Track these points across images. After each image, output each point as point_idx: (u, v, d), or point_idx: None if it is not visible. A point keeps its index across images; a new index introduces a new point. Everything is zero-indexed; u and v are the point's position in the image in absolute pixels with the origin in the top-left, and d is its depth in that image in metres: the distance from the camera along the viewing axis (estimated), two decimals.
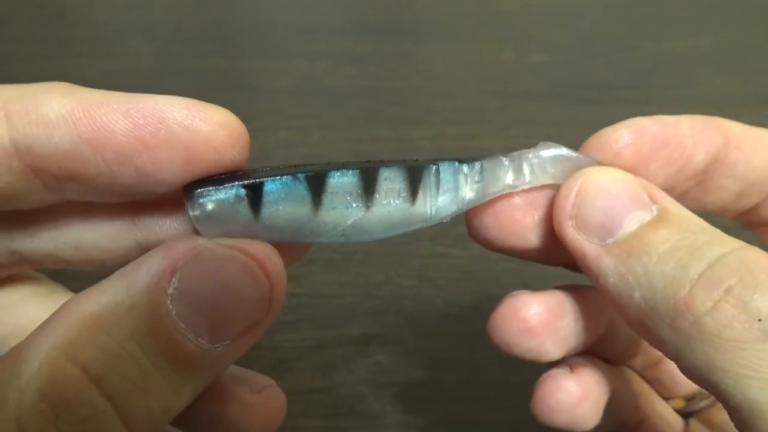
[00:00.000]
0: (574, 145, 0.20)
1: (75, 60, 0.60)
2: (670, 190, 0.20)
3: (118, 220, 0.18)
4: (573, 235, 0.19)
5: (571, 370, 0.22)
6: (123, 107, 0.15)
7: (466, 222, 0.21)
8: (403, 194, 0.18)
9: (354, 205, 0.17)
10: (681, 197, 0.21)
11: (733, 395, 0.15)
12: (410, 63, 0.63)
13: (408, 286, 0.41)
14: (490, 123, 0.54)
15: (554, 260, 0.21)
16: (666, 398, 0.26)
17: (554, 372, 0.22)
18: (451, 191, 0.19)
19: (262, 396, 0.22)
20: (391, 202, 0.18)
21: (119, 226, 0.18)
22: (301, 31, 0.65)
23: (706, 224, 0.18)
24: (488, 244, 0.21)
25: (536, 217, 0.20)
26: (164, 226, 0.18)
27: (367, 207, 0.17)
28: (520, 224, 0.20)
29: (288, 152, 0.50)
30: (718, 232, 0.18)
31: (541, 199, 0.20)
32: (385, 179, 0.17)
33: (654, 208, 0.18)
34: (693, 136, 0.20)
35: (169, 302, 0.15)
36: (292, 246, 0.18)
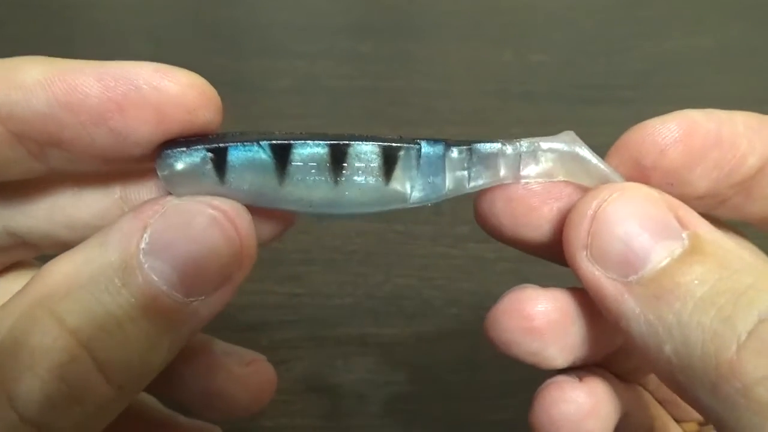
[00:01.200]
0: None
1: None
2: (711, 197, 0.18)
3: (107, 197, 0.19)
4: (588, 269, 0.16)
5: (580, 379, 0.19)
6: (95, 72, 0.16)
7: (474, 206, 0.19)
8: (377, 173, 0.17)
9: (320, 178, 0.17)
10: (719, 205, 0.19)
11: None
12: (410, 63, 0.63)
13: (408, 286, 0.41)
14: (490, 123, 0.53)
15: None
16: (678, 421, 0.23)
17: (560, 379, 0.19)
18: (434, 175, 0.18)
19: (250, 368, 0.22)
20: (363, 180, 0.17)
21: (109, 203, 0.19)
22: (301, 31, 0.65)
23: (747, 257, 0.15)
24: (497, 233, 0.19)
25: (555, 208, 0.18)
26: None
27: (335, 182, 0.17)
28: (536, 213, 0.18)
29: None
30: (764, 267, 0.15)
31: (564, 188, 0.18)
32: (357, 155, 0.17)
33: (684, 235, 0.16)
34: (748, 137, 0.17)
35: (141, 256, 0.16)
36: (274, 214, 0.19)
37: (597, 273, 0.16)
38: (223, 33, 0.65)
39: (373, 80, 0.59)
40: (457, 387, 0.36)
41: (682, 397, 0.16)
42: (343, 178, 0.17)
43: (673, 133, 0.17)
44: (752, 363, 0.13)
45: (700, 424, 0.23)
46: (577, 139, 0.18)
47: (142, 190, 0.19)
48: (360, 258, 0.42)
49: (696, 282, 0.15)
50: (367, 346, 0.37)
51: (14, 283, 0.21)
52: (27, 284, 0.16)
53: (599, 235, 0.16)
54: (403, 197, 0.17)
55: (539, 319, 0.18)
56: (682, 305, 0.15)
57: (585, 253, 0.16)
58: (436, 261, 0.42)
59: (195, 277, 0.16)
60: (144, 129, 0.16)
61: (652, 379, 0.23)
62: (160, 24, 0.66)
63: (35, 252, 0.21)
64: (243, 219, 0.17)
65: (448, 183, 0.18)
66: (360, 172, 0.17)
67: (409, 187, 0.17)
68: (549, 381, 0.20)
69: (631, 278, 0.16)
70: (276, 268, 0.41)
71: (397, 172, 0.17)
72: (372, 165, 0.17)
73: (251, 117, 0.52)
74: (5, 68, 0.16)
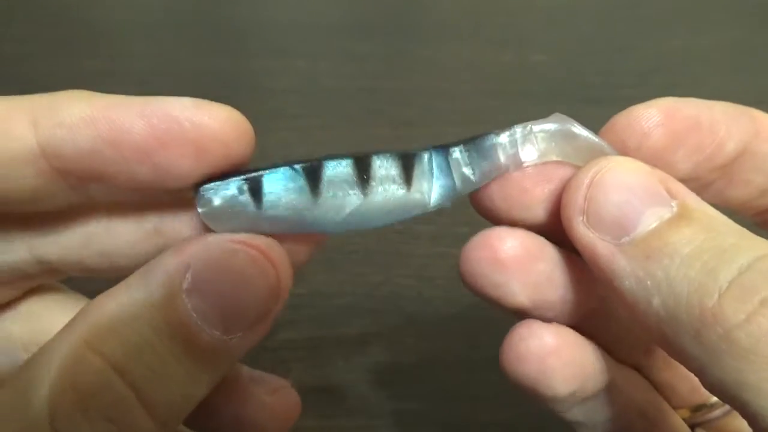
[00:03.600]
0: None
1: (75, 60, 0.60)
2: (694, 180, 0.19)
3: (141, 227, 0.19)
4: (583, 232, 0.17)
5: (550, 322, 0.20)
6: (138, 109, 0.16)
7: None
8: (398, 181, 0.18)
9: (351, 192, 0.18)
10: (702, 189, 0.19)
11: (765, 417, 0.14)
12: (410, 63, 0.63)
13: (408, 286, 0.41)
14: (490, 123, 0.53)
15: (563, 242, 0.19)
16: (672, 407, 0.24)
17: (530, 319, 0.20)
18: (446, 176, 0.19)
19: (277, 396, 0.23)
20: (386, 189, 0.18)
21: (142, 233, 0.19)
22: (301, 31, 0.65)
23: (731, 223, 0.17)
24: (492, 215, 0.20)
25: (547, 190, 0.19)
26: (183, 231, 0.19)
27: (365, 194, 0.18)
28: (528, 195, 0.19)
29: (288, 152, 0.50)
30: (746, 232, 0.16)
31: (555, 170, 0.19)
32: (379, 167, 0.18)
33: (673, 203, 0.17)
34: (726, 123, 0.19)
35: (184, 296, 0.16)
36: (306, 237, 0.19)
37: (592, 236, 0.17)
38: (223, 33, 0.66)
39: (373, 80, 0.59)
40: (456, 387, 0.36)
41: (668, 351, 0.16)
42: (370, 189, 0.18)
43: (655, 117, 0.18)
44: (732, 309, 0.14)
45: (693, 411, 0.24)
46: (567, 118, 0.19)
47: (177, 221, 0.19)
48: (360, 258, 0.42)
49: (683, 241, 0.16)
50: (367, 345, 0.37)
51: (38, 305, 0.21)
52: (72, 322, 0.16)
53: (595, 202, 0.17)
54: (423, 202, 0.19)
55: (504, 252, 0.19)
56: (670, 261, 0.16)
57: (581, 218, 0.18)
58: (436, 261, 0.42)
59: (235, 316, 0.16)
60: (184, 163, 0.17)
61: (649, 361, 0.23)
62: (160, 24, 0.66)
63: (61, 276, 0.21)
64: (278, 254, 0.17)
65: (457, 182, 0.19)
66: (383, 182, 0.18)
67: (426, 192, 0.19)
68: (520, 322, 0.20)
69: (623, 240, 0.17)
70: None
71: (415, 178, 0.19)
72: (392, 174, 0.18)
73: (251, 117, 0.52)
74: (48, 105, 0.16)
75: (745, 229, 0.16)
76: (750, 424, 0.15)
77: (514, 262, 0.19)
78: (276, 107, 0.55)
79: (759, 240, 0.16)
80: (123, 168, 0.17)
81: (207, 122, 0.16)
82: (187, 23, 0.68)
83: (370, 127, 0.53)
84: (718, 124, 0.19)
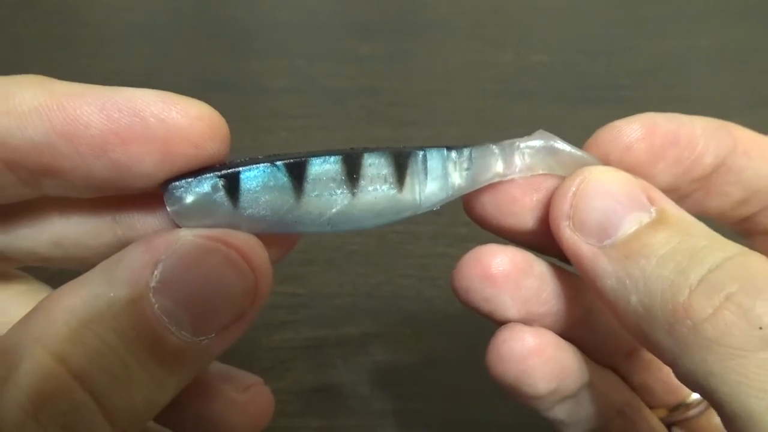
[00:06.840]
0: (575, 144, 0.20)
1: (75, 60, 0.60)
2: (674, 191, 0.20)
3: (98, 216, 0.18)
4: (569, 236, 0.18)
5: (531, 325, 0.21)
6: (98, 100, 0.15)
7: (462, 198, 0.21)
8: (390, 180, 0.18)
9: (338, 191, 0.17)
10: (682, 200, 0.21)
11: (730, 404, 0.15)
12: (410, 63, 0.63)
13: (408, 286, 0.41)
14: (490, 123, 0.53)
15: (549, 249, 0.20)
16: (650, 407, 0.25)
17: (512, 323, 0.21)
18: (439, 178, 0.19)
19: (248, 394, 0.22)
20: (377, 189, 0.17)
21: (100, 222, 0.18)
22: (301, 31, 0.65)
23: (706, 228, 0.18)
24: (483, 222, 0.21)
25: (536, 199, 0.20)
26: (145, 222, 0.18)
27: (353, 193, 0.17)
28: (518, 203, 0.20)
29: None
30: (718, 236, 0.17)
31: (543, 181, 0.20)
32: (370, 165, 0.17)
33: (653, 209, 0.18)
34: (704, 138, 0.20)
35: (151, 295, 0.15)
36: (280, 237, 0.18)
37: (577, 239, 0.18)
38: (223, 33, 0.66)
39: (373, 80, 0.59)
40: (456, 387, 0.36)
41: (645, 345, 0.17)
42: (359, 189, 0.17)
43: (637, 132, 0.19)
44: (701, 303, 0.16)
45: (670, 410, 0.25)
46: (551, 135, 0.20)
47: (138, 212, 0.18)
48: (360, 258, 0.42)
49: (660, 244, 0.17)
50: (368, 346, 0.37)
51: None
52: (28, 320, 0.15)
53: (580, 207, 0.18)
54: (414, 203, 0.18)
55: (494, 267, 0.20)
56: (647, 262, 0.17)
57: (567, 222, 0.19)
58: (436, 261, 0.42)
59: (206, 317, 0.16)
60: (148, 162, 0.15)
61: (627, 364, 0.24)
62: (160, 24, 0.66)
63: (15, 264, 0.20)
64: (259, 256, 0.16)
65: (450, 185, 0.19)
66: (374, 181, 0.17)
67: (419, 192, 0.18)
68: (503, 326, 0.21)
69: (605, 242, 0.18)
70: (276, 268, 0.41)
71: (408, 178, 0.18)
72: (383, 173, 0.17)
73: (251, 117, 0.52)
74: None
75: (717, 234, 0.17)
76: (717, 411, 0.16)
77: (504, 278, 0.20)
78: (276, 107, 0.55)
79: (729, 243, 0.17)
80: (78, 163, 0.15)
81: (174, 118, 0.15)
82: (188, 23, 0.68)
83: (370, 127, 0.53)
84: (697, 139, 0.20)
